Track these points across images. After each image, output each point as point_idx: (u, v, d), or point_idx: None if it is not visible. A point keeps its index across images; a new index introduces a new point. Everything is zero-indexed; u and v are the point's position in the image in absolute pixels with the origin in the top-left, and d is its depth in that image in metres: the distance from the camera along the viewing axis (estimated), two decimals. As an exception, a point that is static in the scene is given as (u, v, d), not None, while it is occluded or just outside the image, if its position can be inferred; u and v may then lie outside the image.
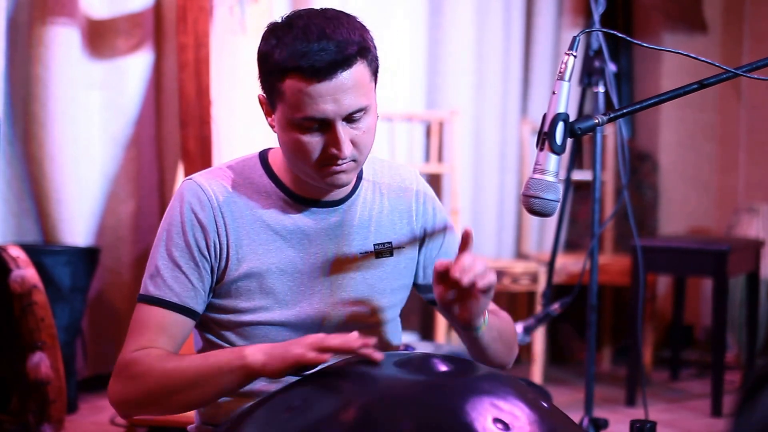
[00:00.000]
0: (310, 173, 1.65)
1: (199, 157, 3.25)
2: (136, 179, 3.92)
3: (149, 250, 1.72)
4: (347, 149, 1.60)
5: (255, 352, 1.56)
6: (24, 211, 3.69)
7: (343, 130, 1.60)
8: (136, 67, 3.87)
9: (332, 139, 1.60)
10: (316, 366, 1.53)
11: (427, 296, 1.90)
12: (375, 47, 1.64)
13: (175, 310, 1.66)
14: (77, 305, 3.54)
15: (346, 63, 1.56)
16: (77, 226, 3.74)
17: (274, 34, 1.60)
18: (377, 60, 1.65)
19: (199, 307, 1.69)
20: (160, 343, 1.65)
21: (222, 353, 1.62)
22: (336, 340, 1.52)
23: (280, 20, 1.62)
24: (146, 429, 3.18)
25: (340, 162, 1.62)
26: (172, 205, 1.70)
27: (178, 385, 1.60)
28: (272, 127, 1.68)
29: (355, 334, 1.53)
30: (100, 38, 3.81)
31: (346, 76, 1.57)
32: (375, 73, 1.64)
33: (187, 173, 3.25)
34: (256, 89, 1.69)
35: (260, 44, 1.63)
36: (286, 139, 1.63)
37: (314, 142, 1.60)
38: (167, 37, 3.93)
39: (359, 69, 1.59)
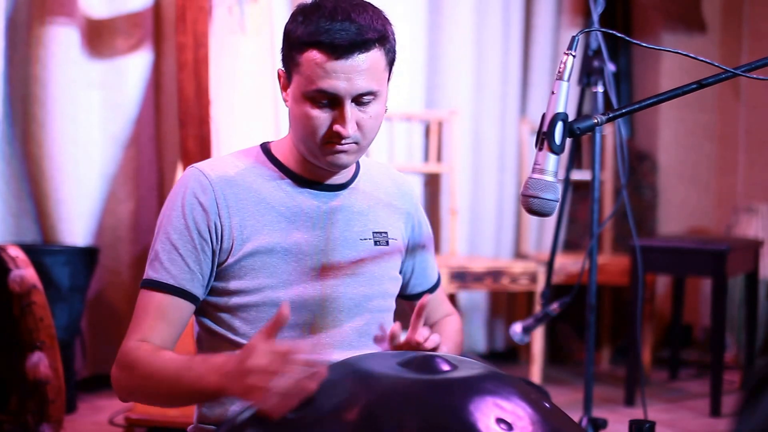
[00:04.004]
0: (314, 149, 1.70)
1: (198, 156, 3.24)
2: (135, 179, 3.91)
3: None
4: (351, 129, 1.66)
5: (211, 374, 1.52)
6: (23, 211, 3.69)
7: (351, 111, 1.66)
8: (135, 66, 3.87)
9: (339, 117, 1.66)
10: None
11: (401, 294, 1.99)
12: (394, 40, 1.71)
13: (172, 293, 1.68)
14: (76, 305, 3.54)
15: (364, 46, 1.64)
16: (76, 226, 3.74)
17: (302, 12, 1.68)
18: (395, 52, 1.72)
19: (197, 290, 1.70)
20: (158, 329, 1.67)
21: (200, 364, 1.57)
22: (282, 381, 1.42)
23: (309, 2, 1.69)
24: (146, 429, 3.18)
25: (343, 141, 1.67)
26: (174, 191, 1.74)
27: (159, 383, 1.62)
28: (285, 101, 1.74)
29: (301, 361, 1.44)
30: (100, 38, 3.81)
31: (362, 59, 1.64)
32: (391, 64, 1.72)
33: (187, 173, 3.26)
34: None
35: (287, 22, 1.71)
36: (296, 112, 1.70)
37: (322, 117, 1.67)
38: (166, 37, 3.93)
39: (376, 55, 1.66)
